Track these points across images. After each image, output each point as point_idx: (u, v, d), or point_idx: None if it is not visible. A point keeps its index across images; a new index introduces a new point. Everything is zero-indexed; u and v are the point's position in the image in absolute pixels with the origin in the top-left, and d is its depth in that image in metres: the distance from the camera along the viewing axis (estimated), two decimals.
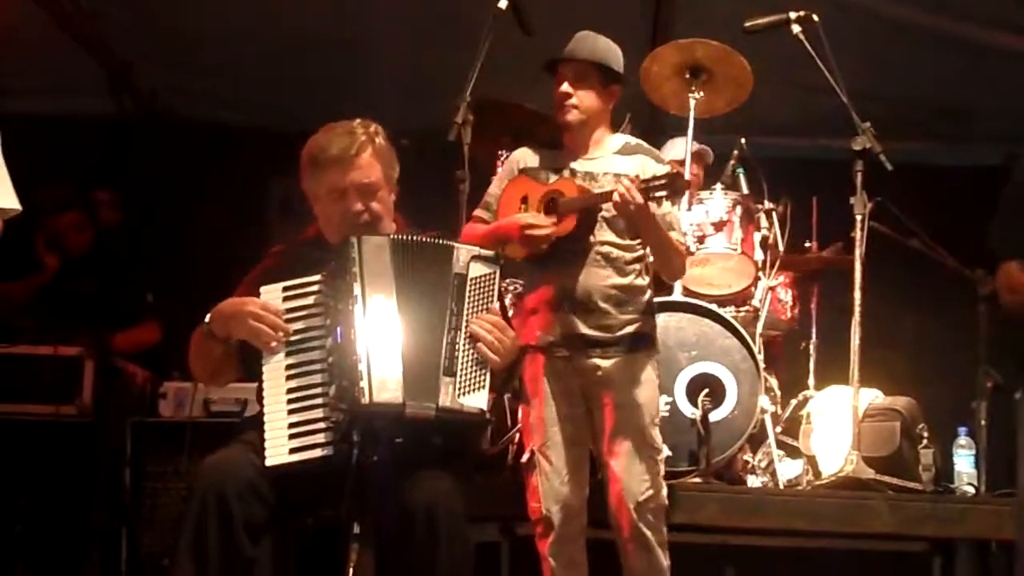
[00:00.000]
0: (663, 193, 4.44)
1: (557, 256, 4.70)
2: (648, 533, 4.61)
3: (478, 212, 4.90)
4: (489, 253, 4.05)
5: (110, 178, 7.39)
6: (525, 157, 4.91)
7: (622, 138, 4.89)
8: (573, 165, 4.80)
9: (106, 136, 7.76)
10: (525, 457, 4.77)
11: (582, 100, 4.77)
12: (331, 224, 4.09)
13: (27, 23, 6.79)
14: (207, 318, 3.96)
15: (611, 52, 4.83)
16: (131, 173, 7.59)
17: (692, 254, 5.69)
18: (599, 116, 4.82)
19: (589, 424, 4.73)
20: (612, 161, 4.79)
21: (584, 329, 4.67)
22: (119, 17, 7.07)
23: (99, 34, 7.18)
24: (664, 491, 4.69)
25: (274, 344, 3.83)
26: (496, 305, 3.97)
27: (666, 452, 4.95)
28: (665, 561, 4.64)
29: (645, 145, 4.89)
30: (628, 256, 4.72)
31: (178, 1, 7.00)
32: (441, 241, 4.03)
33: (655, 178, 4.48)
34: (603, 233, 4.70)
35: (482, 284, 3.96)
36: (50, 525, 5.88)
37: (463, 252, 3.98)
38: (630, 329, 4.70)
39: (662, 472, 4.72)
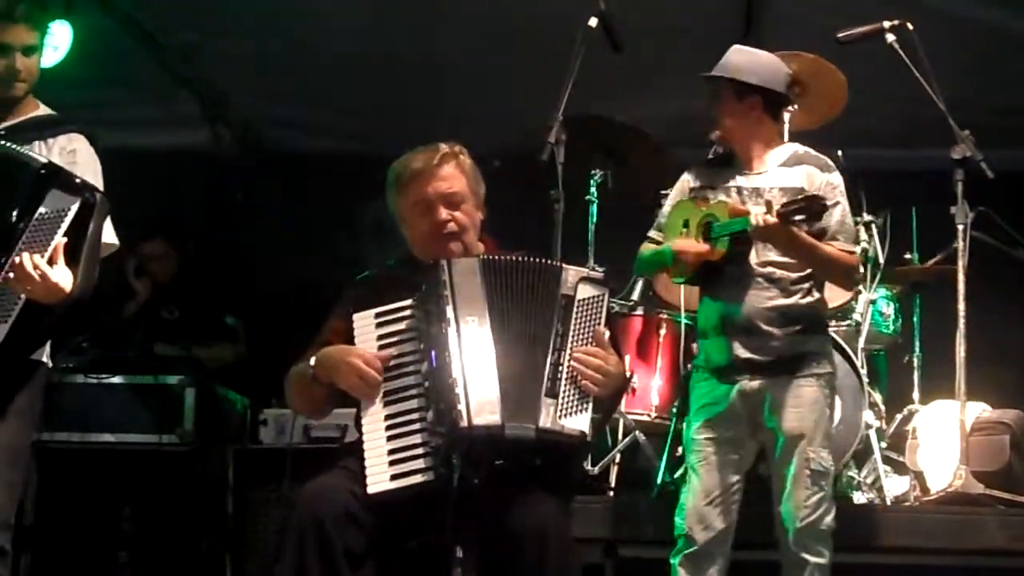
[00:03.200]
0: (802, 217, 4.36)
1: (722, 279, 4.65)
2: (807, 557, 4.54)
3: (651, 232, 4.88)
4: (598, 275, 4.03)
5: (206, 208, 7.48)
6: (693, 176, 4.86)
7: (789, 148, 4.80)
8: (740, 182, 4.73)
9: (201, 165, 7.83)
10: (679, 472, 4.73)
11: (722, 118, 4.74)
12: (419, 239, 4.10)
13: (123, 56, 6.89)
14: (311, 361, 3.97)
15: (747, 63, 4.76)
16: (226, 201, 7.65)
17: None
18: (746, 130, 4.74)
19: (752, 449, 4.67)
20: (777, 175, 4.71)
21: (746, 352, 4.60)
22: (211, 49, 7.14)
23: (192, 66, 7.26)
24: (830, 515, 4.59)
25: (374, 397, 3.84)
26: (603, 328, 3.93)
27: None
28: None
29: (812, 153, 4.79)
30: (793, 275, 4.63)
31: (271, 32, 7.05)
32: (549, 261, 4.02)
33: (792, 202, 4.40)
34: (766, 253, 4.62)
35: (590, 306, 3.92)
36: (154, 553, 5.94)
37: (571, 273, 3.95)
38: (796, 350, 4.61)
39: (829, 495, 4.62)
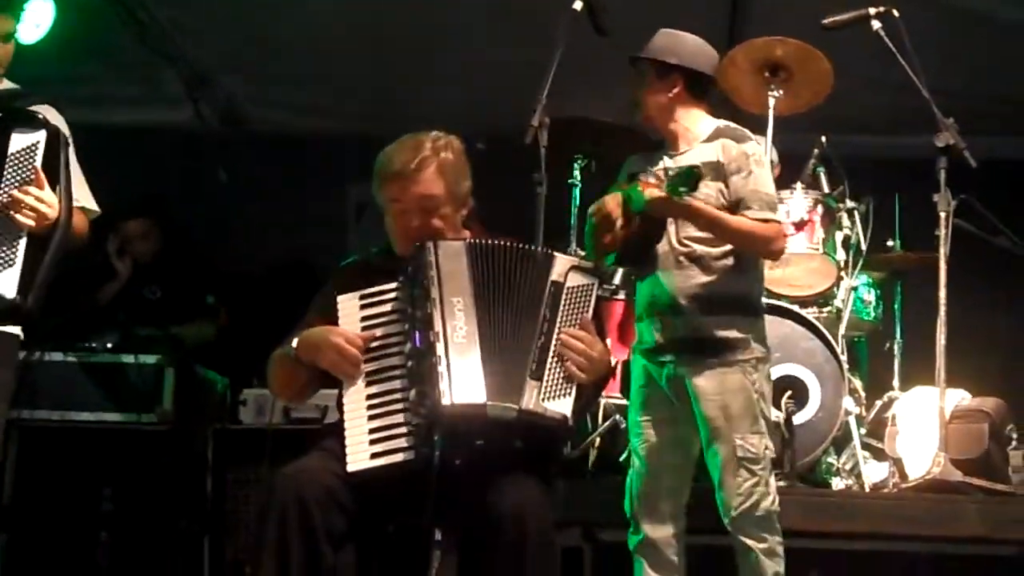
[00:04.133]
0: (684, 188, 4.34)
1: (650, 260, 4.64)
2: (749, 542, 4.53)
3: None
4: (589, 264, 4.05)
5: (189, 186, 7.47)
6: (633, 161, 4.89)
7: (711, 124, 4.77)
8: (667, 162, 4.74)
9: (184, 144, 7.79)
10: (623, 456, 4.75)
11: (643, 100, 4.78)
12: (396, 236, 4.10)
13: (106, 33, 6.85)
14: (294, 343, 3.96)
15: (669, 44, 4.77)
16: (209, 180, 7.62)
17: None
18: (669, 111, 4.76)
19: (693, 430, 4.65)
20: (698, 151, 4.70)
21: (670, 332, 4.60)
22: (196, 27, 7.10)
23: (176, 44, 7.22)
24: (769, 498, 4.55)
25: (355, 376, 3.83)
26: (590, 317, 3.92)
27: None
28: (772, 569, 4.52)
29: (732, 126, 4.77)
30: (715, 251, 4.60)
31: (254, 10, 7.02)
32: (538, 248, 4.04)
33: (675, 175, 4.40)
34: (686, 229, 4.61)
35: (579, 294, 3.93)
36: (134, 533, 5.91)
37: (562, 261, 3.96)
38: (719, 332, 4.57)
39: (764, 479, 4.56)
